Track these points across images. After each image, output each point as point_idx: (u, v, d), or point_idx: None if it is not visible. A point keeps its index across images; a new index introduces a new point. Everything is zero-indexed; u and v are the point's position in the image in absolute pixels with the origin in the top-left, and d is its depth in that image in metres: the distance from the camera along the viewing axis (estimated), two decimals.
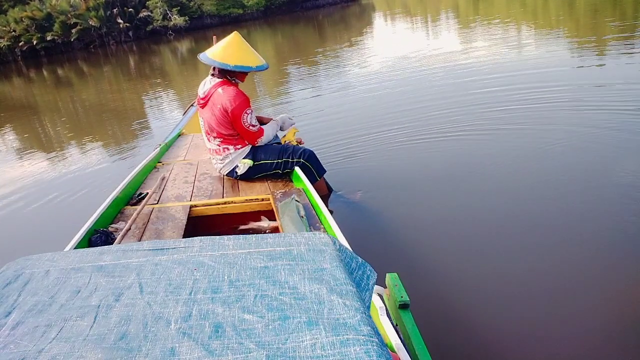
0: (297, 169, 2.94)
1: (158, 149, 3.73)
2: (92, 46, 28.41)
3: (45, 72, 20.87)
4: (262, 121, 3.21)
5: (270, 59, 12.80)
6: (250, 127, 2.90)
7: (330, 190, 3.39)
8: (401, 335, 1.41)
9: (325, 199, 3.25)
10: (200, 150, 3.78)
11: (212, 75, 2.95)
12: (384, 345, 0.81)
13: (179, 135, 4.36)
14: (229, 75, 2.91)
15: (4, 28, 27.15)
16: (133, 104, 9.66)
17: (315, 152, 3.09)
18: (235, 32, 2.93)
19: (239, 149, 3.00)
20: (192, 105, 4.87)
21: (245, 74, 2.96)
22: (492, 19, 13.24)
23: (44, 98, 13.27)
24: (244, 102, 2.83)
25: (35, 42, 27.26)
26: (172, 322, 0.88)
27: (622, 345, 1.84)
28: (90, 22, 27.42)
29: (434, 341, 1.53)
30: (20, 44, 27.41)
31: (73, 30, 27.49)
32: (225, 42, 2.86)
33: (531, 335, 1.93)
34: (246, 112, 2.85)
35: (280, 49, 15.89)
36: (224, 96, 2.83)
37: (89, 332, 0.87)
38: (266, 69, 2.90)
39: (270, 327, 0.85)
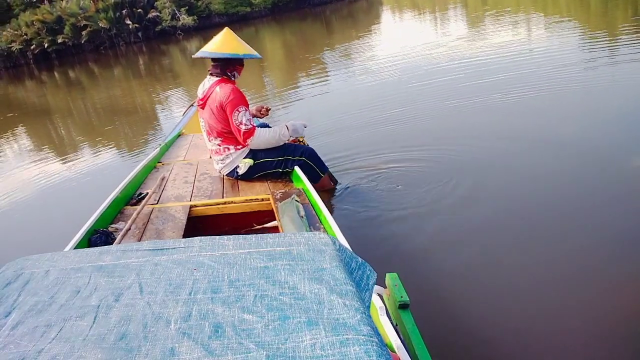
0: (296, 168, 2.95)
1: (158, 149, 3.74)
2: (102, 48, 28.44)
3: (56, 74, 20.91)
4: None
5: (278, 54, 12.80)
6: (240, 125, 2.86)
7: (335, 181, 3.39)
8: (401, 335, 1.41)
9: (330, 193, 3.25)
10: (200, 150, 3.78)
11: (211, 74, 2.96)
12: (384, 345, 0.81)
13: (179, 135, 4.36)
14: (228, 71, 2.93)
15: (16, 32, 27.32)
16: (142, 104, 9.66)
17: (315, 150, 3.10)
18: (226, 27, 3.01)
19: (239, 149, 3.00)
20: (192, 105, 4.87)
21: (242, 64, 3.00)
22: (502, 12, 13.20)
23: (54, 99, 13.26)
24: (238, 98, 2.84)
25: (46, 45, 27.41)
26: (172, 322, 0.88)
27: (625, 341, 1.84)
28: (100, 24, 27.49)
29: (434, 341, 1.52)
30: (32, 47, 27.53)
31: (83, 33, 27.61)
32: (217, 37, 2.91)
33: (532, 334, 1.92)
34: (238, 110, 2.84)
35: (288, 45, 15.88)
36: (220, 93, 2.85)
37: (88, 332, 0.87)
38: (259, 58, 3.00)
39: (270, 327, 0.85)
